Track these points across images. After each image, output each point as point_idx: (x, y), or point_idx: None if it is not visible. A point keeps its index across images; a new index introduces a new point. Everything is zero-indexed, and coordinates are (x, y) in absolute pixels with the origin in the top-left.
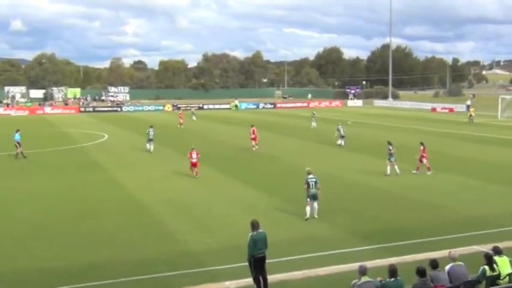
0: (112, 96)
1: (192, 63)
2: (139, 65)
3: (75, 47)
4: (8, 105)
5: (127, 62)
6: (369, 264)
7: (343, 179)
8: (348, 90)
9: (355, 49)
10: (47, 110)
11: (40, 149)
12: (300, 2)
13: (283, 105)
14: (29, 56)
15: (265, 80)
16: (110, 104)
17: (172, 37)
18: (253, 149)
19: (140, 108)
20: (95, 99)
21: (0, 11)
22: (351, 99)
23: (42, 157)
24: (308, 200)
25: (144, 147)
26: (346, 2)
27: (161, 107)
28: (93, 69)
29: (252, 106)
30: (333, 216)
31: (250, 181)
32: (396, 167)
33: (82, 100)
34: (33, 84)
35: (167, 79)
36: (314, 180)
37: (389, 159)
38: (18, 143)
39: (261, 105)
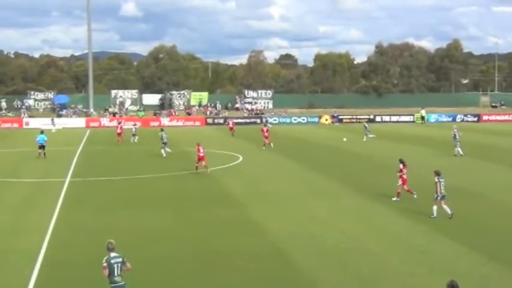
0: (250, 103)
1: (360, 58)
2: (287, 61)
3: (202, 37)
4: (114, 114)
5: (271, 56)
6: None
7: None
8: None
9: None
10: (165, 121)
11: (155, 173)
12: None
13: (493, 117)
14: (142, 49)
15: (465, 81)
16: (246, 114)
17: (333, 21)
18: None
19: (287, 119)
20: (226, 108)
21: None
22: None
23: (159, 184)
24: None
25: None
26: None
27: (316, 119)
28: (225, 66)
29: (445, 118)
30: None
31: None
32: None
33: (210, 108)
34: (147, 86)
35: (325, 80)
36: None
37: None
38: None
39: (459, 116)
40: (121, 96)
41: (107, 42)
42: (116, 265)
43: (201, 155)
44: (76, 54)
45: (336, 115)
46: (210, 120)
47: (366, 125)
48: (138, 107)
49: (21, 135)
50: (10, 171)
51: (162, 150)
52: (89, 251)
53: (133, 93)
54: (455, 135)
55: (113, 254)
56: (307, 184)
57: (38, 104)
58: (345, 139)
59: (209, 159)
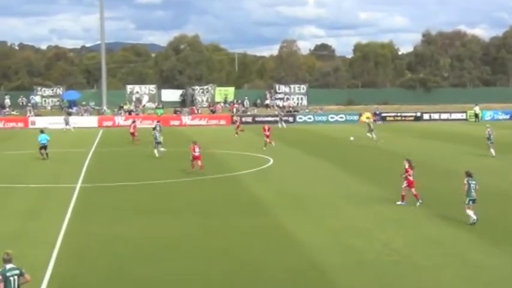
0: (281, 99)
1: (405, 48)
2: (323, 52)
3: (228, 25)
4: (130, 112)
5: (305, 46)
6: None
7: None
8: None
9: None
10: (186, 120)
11: (176, 178)
12: None
13: None
14: (161, 39)
15: None
16: (277, 112)
17: (375, 7)
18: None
19: (323, 117)
20: (255, 104)
21: None
22: None
23: (180, 190)
24: None
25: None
26: None
27: (355, 116)
28: (253, 58)
29: (502, 116)
30: None
31: None
32: None
33: (236, 105)
34: (166, 81)
35: (366, 73)
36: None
37: None
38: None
39: None
40: (137, 92)
41: (122, 32)
42: (12, 278)
43: (196, 154)
44: (87, 45)
45: (378, 112)
46: (236, 119)
47: (372, 125)
48: (156, 104)
49: (27, 136)
50: (15, 176)
51: (155, 150)
52: (101, 264)
53: (151, 88)
54: (489, 135)
55: (8, 266)
56: (345, 190)
57: (45, 101)
58: (352, 138)
59: (236, 162)
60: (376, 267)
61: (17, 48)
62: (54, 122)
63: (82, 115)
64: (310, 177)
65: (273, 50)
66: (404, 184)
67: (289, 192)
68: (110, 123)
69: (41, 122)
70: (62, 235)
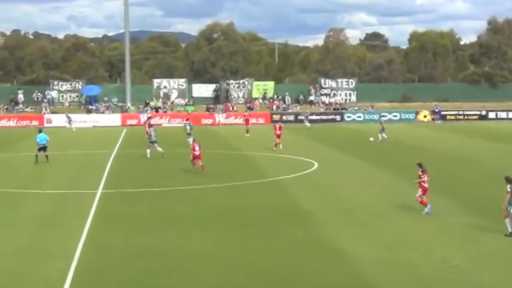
0: (327, 95)
1: (468, 37)
2: (374, 42)
3: (267, 11)
4: (157, 109)
5: (354, 36)
6: None
7: None
8: None
9: None
10: (220, 118)
11: (207, 183)
12: None
13: None
14: (192, 28)
15: None
16: (322, 109)
17: None
18: None
19: (374, 116)
20: (297, 101)
21: None
22: None
23: (212, 196)
24: None
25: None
26: None
27: (412, 115)
28: (295, 48)
29: None
30: None
31: None
32: None
33: (276, 102)
34: (197, 75)
35: (423, 65)
36: None
37: None
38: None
39: None
40: (165, 87)
41: (148, 19)
42: None
43: (197, 153)
44: (109, 34)
45: (437, 110)
46: (276, 117)
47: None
48: (186, 100)
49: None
50: (30, 180)
51: (148, 150)
52: (123, 279)
53: (181, 82)
54: None
55: None
56: (399, 197)
57: (62, 96)
58: (371, 138)
59: (276, 166)
60: (435, 285)
61: (31, 37)
62: (73, 120)
63: (103, 112)
64: (360, 183)
65: (318, 40)
66: (419, 192)
67: (336, 200)
68: (134, 122)
69: (58, 120)
70: (81, 247)
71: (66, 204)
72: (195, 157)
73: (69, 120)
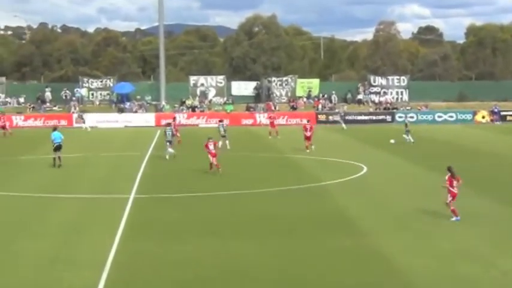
0: (377, 93)
1: None
2: (427, 36)
3: (311, 4)
4: (194, 108)
5: (406, 29)
6: None
7: None
8: None
9: None
10: (261, 118)
11: (247, 188)
12: None
13: None
14: (231, 21)
15: None
16: (371, 109)
17: None
18: None
19: (429, 116)
20: (345, 100)
21: None
22: None
23: (251, 202)
24: None
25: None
26: None
27: (469, 115)
28: (342, 43)
29: None
30: None
31: None
32: None
33: (322, 101)
34: (237, 71)
35: (481, 61)
36: None
37: None
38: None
39: None
40: (202, 85)
41: (184, 11)
42: None
43: (213, 151)
44: (143, 27)
45: (496, 110)
46: (322, 117)
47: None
48: (225, 98)
49: (72, 137)
50: (58, 184)
51: (167, 151)
52: None
53: (219, 80)
54: None
55: None
56: (456, 205)
57: (92, 94)
58: (392, 141)
59: (322, 170)
60: None
61: (59, 31)
62: (104, 120)
63: (136, 112)
64: (413, 189)
65: (366, 34)
66: (449, 198)
67: (387, 207)
68: (169, 121)
69: (88, 119)
70: (112, 256)
71: (96, 210)
72: (212, 155)
73: (83, 119)
